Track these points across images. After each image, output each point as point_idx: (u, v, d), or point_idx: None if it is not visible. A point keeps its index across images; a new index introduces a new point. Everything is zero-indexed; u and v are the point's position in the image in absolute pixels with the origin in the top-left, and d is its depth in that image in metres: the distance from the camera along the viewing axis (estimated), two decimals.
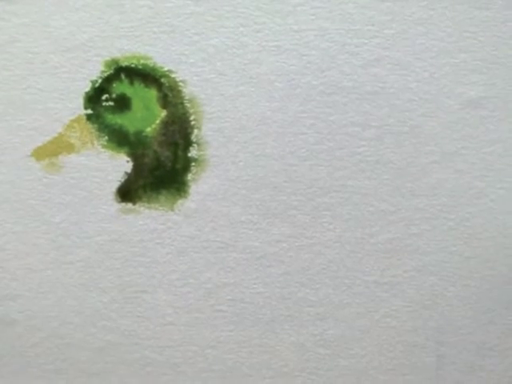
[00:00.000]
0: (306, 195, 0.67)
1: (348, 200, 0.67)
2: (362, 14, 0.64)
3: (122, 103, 0.66)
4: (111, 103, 0.66)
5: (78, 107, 0.66)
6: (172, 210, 0.67)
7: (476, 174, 0.67)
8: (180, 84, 0.66)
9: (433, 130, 0.66)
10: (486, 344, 0.69)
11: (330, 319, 0.69)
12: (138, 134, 0.66)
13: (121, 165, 0.67)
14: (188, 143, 0.66)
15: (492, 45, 0.64)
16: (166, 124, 0.66)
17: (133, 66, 0.65)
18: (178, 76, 0.66)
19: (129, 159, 0.67)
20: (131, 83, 0.66)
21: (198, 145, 0.66)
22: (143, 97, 0.66)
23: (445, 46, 0.64)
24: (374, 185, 0.67)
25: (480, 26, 0.64)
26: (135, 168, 0.67)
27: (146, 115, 0.66)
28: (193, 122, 0.66)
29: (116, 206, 0.68)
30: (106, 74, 0.66)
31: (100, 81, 0.66)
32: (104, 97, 0.66)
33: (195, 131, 0.66)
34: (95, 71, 0.65)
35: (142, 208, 0.67)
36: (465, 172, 0.67)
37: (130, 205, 0.67)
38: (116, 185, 0.67)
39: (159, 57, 0.65)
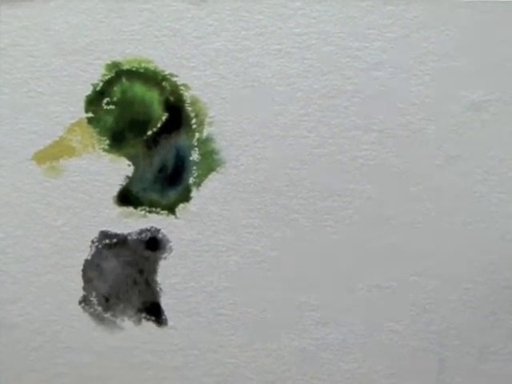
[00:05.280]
0: (308, 199, 0.67)
1: (350, 204, 0.67)
2: (364, 18, 0.64)
3: (123, 106, 0.66)
4: (112, 106, 0.66)
5: (79, 111, 0.66)
6: (173, 213, 0.67)
7: (478, 177, 0.66)
8: (181, 87, 0.66)
9: (434, 134, 0.66)
10: (488, 348, 0.69)
11: (332, 323, 0.69)
12: (139, 137, 0.66)
13: (122, 168, 0.67)
14: (189, 147, 0.66)
15: (494, 48, 0.64)
16: (167, 127, 0.66)
17: (134, 69, 0.65)
18: (179, 79, 0.65)
19: (130, 163, 0.67)
20: (132, 86, 0.66)
21: (200, 148, 0.66)
22: (144, 100, 0.66)
23: (446, 50, 0.64)
24: (375, 189, 0.67)
25: (481, 29, 0.64)
26: (136, 172, 0.67)
27: (148, 119, 0.66)
28: (194, 126, 0.66)
29: (117, 210, 0.67)
30: (107, 78, 0.66)
31: (101, 84, 0.66)
32: (105, 100, 0.66)
33: (196, 135, 0.66)
34: (96, 74, 0.65)
35: (143, 212, 0.67)
36: (467, 176, 0.66)
37: (131, 208, 0.67)
38: (117, 188, 0.67)
39: (161, 60, 0.65)
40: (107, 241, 0.68)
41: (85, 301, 0.69)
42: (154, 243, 0.67)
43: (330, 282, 0.68)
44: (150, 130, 0.66)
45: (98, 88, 0.66)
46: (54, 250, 0.68)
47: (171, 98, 0.66)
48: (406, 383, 0.70)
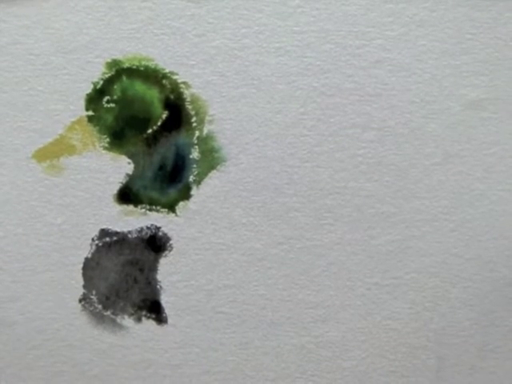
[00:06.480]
0: (307, 197, 0.67)
1: (349, 202, 0.67)
2: (364, 16, 0.64)
3: (124, 105, 0.66)
4: (112, 105, 0.66)
5: (79, 109, 0.66)
6: (173, 211, 0.67)
7: (477, 175, 0.67)
8: (181, 85, 0.66)
9: (434, 132, 0.66)
10: (487, 346, 0.69)
11: (331, 321, 0.69)
12: (140, 135, 0.66)
13: (122, 166, 0.67)
14: (190, 145, 0.66)
15: (493, 46, 0.64)
16: (167, 125, 0.66)
17: (134, 67, 0.65)
18: (179, 77, 0.65)
19: (130, 161, 0.67)
20: (133, 85, 0.66)
21: (200, 146, 0.66)
22: (145, 98, 0.66)
23: (446, 48, 0.65)
24: (375, 187, 0.67)
25: (481, 27, 0.64)
26: (136, 170, 0.67)
27: (148, 117, 0.66)
28: (194, 124, 0.66)
29: (117, 208, 0.67)
30: (107, 76, 0.66)
31: (101, 82, 0.66)
32: (105, 98, 0.66)
33: (197, 133, 0.66)
34: (97, 73, 0.65)
35: (143, 210, 0.67)
36: (466, 174, 0.67)
37: (131, 206, 0.67)
38: (117, 186, 0.67)
39: (161, 58, 0.65)
40: (107, 239, 0.68)
41: (85, 299, 0.69)
42: (154, 241, 0.67)
43: (329, 279, 0.68)
44: (151, 128, 0.66)
45: (99, 86, 0.66)
46: (53, 248, 0.68)
47: (171, 96, 0.66)
48: (405, 381, 0.70)
